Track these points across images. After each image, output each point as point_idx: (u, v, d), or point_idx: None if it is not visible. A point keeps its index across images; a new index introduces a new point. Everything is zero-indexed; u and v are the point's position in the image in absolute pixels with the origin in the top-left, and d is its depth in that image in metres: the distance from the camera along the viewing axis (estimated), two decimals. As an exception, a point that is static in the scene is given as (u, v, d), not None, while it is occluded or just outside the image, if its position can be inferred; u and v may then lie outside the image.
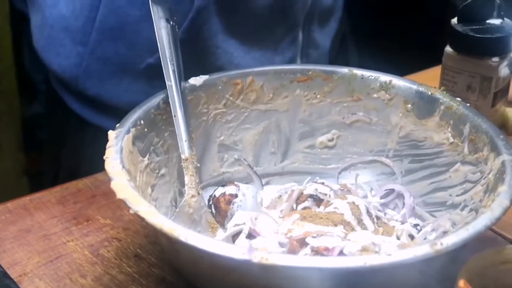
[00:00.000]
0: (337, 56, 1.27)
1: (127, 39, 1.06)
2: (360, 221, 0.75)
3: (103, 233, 0.80)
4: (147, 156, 0.75)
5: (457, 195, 0.77)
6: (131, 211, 0.63)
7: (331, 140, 0.87)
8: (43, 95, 1.40)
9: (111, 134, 0.72)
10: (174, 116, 0.77)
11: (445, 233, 0.72)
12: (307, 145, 0.88)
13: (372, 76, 0.85)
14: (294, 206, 0.79)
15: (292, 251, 0.69)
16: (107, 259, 0.77)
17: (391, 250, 0.63)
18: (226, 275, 0.63)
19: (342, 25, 1.27)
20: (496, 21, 0.93)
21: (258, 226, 0.72)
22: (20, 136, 1.59)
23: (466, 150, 0.78)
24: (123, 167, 0.68)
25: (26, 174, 1.66)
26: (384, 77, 0.84)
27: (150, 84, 1.03)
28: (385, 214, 0.80)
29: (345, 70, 0.85)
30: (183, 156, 0.76)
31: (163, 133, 0.78)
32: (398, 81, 0.84)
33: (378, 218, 0.78)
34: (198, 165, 0.78)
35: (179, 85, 0.78)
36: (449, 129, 0.80)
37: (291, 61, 1.14)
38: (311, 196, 0.79)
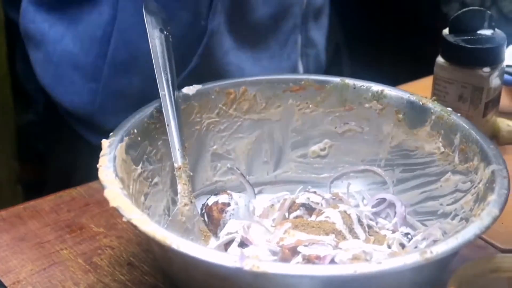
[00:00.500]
0: (331, 67, 1.27)
1: (141, 71, 1.04)
2: (351, 230, 0.75)
3: (97, 241, 0.81)
4: (140, 164, 0.76)
5: (448, 204, 0.78)
6: (124, 219, 0.63)
7: (323, 149, 0.88)
8: (38, 104, 1.40)
9: (105, 142, 0.73)
10: (167, 125, 0.77)
11: (435, 242, 0.73)
12: (299, 154, 0.88)
13: (364, 86, 0.85)
14: (286, 215, 0.80)
15: (284, 259, 0.70)
16: (100, 267, 0.77)
17: (382, 259, 0.64)
18: (218, 283, 0.63)
19: (334, 32, 1.28)
20: (487, 32, 0.93)
21: (251, 234, 0.73)
22: (15, 145, 1.60)
23: (456, 159, 0.78)
24: (116, 175, 0.69)
25: (20, 183, 1.66)
26: (376, 87, 0.85)
27: None
28: (376, 223, 0.81)
29: (337, 80, 0.86)
30: (176, 165, 0.77)
31: (156, 142, 0.79)
32: (390, 91, 0.85)
33: (369, 227, 0.78)
34: (191, 173, 0.79)
35: (172, 94, 0.78)
36: (440, 138, 0.80)
37: (295, 63, 1.15)
38: (303, 205, 0.79)
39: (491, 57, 0.92)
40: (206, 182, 0.86)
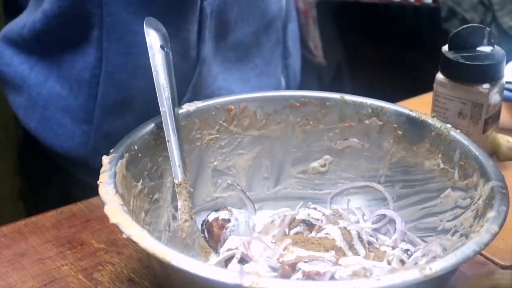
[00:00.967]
0: (332, 84, 1.28)
1: (134, 111, 1.02)
2: (351, 246, 0.75)
3: (97, 257, 0.81)
4: (141, 181, 0.76)
5: (448, 221, 0.78)
6: (124, 236, 0.63)
7: (323, 165, 0.88)
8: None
9: (105, 159, 0.73)
10: (168, 141, 0.77)
11: (435, 258, 0.73)
12: (299, 171, 0.88)
13: (364, 102, 0.86)
14: (287, 231, 0.80)
15: (284, 275, 0.70)
16: (101, 283, 0.77)
17: (381, 275, 0.64)
18: (218, 299, 0.64)
19: (336, 51, 1.27)
20: (486, 49, 0.94)
21: (251, 251, 0.73)
22: (16, 160, 1.60)
23: (456, 176, 0.78)
24: (117, 191, 0.69)
25: (22, 199, 1.66)
26: (376, 104, 0.85)
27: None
28: (376, 239, 0.81)
29: (337, 96, 0.86)
30: (176, 181, 0.77)
31: (156, 158, 0.79)
32: (389, 108, 0.85)
33: (369, 243, 0.79)
34: (191, 190, 0.79)
35: (173, 110, 0.79)
36: (440, 155, 0.80)
37: (279, 78, 1.14)
38: (303, 221, 0.79)
39: (491, 74, 0.92)
40: (206, 198, 0.86)
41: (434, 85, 0.95)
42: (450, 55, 0.93)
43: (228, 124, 0.85)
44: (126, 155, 0.74)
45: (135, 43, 0.98)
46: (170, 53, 0.82)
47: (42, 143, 1.09)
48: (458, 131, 0.81)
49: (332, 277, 0.68)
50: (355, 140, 0.86)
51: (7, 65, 1.07)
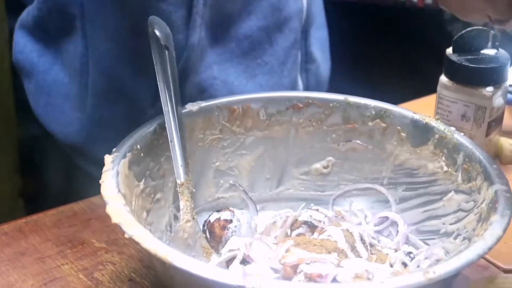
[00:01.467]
0: (335, 86, 1.27)
1: (124, 97, 1.03)
2: (353, 248, 0.75)
3: (98, 257, 0.81)
4: (143, 180, 0.76)
5: (451, 224, 0.78)
6: (126, 235, 0.63)
7: (326, 167, 0.88)
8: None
9: (108, 158, 0.73)
10: (171, 141, 0.77)
11: (438, 261, 0.73)
12: (302, 172, 0.88)
13: (367, 104, 0.85)
14: (289, 232, 0.80)
15: (286, 277, 0.70)
16: (101, 282, 0.77)
17: (384, 278, 0.64)
18: (219, 300, 0.63)
19: (341, 55, 1.27)
20: (490, 52, 0.94)
21: (252, 252, 0.73)
22: (17, 159, 1.59)
23: (459, 179, 0.78)
24: (119, 191, 0.68)
25: (22, 197, 1.66)
26: (380, 106, 0.85)
27: None
28: (379, 241, 0.81)
29: (341, 98, 0.86)
30: (178, 181, 0.77)
31: (159, 158, 0.79)
32: (393, 110, 0.85)
33: (372, 245, 0.78)
34: (194, 190, 0.79)
35: (176, 110, 0.78)
36: (443, 157, 0.80)
37: (295, 80, 1.12)
38: (305, 222, 0.79)
39: (495, 77, 0.92)
40: (208, 198, 0.85)
41: (438, 88, 0.94)
42: (454, 58, 0.92)
43: (231, 125, 0.85)
44: (129, 154, 0.74)
45: (118, 29, 0.98)
46: (174, 52, 0.82)
47: (47, 129, 1.10)
48: (462, 134, 0.81)
49: (334, 279, 0.68)
50: (358, 142, 0.86)
51: (20, 52, 1.10)
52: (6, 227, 0.85)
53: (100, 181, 0.70)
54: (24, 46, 1.09)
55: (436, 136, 0.81)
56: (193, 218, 0.77)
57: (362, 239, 0.77)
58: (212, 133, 0.84)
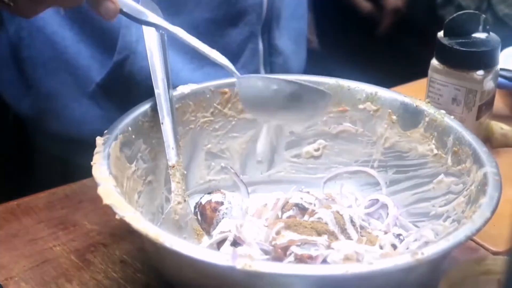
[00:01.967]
0: (327, 69, 1.27)
1: (69, 65, 1.03)
2: (344, 230, 0.76)
3: (90, 239, 0.81)
4: (134, 162, 0.76)
5: (440, 206, 0.78)
6: (117, 217, 0.63)
7: (317, 150, 0.88)
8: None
9: (99, 140, 0.73)
10: (162, 123, 0.77)
11: (427, 243, 0.73)
12: (293, 155, 0.89)
13: (358, 87, 0.86)
14: (280, 214, 0.80)
15: (277, 259, 0.70)
16: (93, 264, 0.77)
17: (373, 259, 0.64)
18: (210, 281, 0.64)
19: (332, 39, 1.26)
20: (481, 35, 0.94)
21: (243, 233, 0.73)
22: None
23: (449, 161, 0.79)
24: (110, 173, 0.69)
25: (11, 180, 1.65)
26: (370, 89, 0.85)
27: (105, 108, 1.02)
28: (369, 223, 0.81)
29: (332, 81, 0.86)
30: (170, 163, 0.77)
31: (150, 140, 0.79)
32: (384, 93, 0.85)
33: (362, 227, 0.79)
34: (185, 172, 0.79)
35: (167, 93, 0.78)
36: (433, 140, 0.81)
37: (255, 72, 1.11)
38: (296, 205, 0.80)
39: (485, 60, 0.92)
40: (200, 181, 0.86)
41: (429, 71, 0.95)
42: (445, 41, 0.93)
43: (223, 107, 0.85)
44: (120, 136, 0.74)
45: None
46: (165, 35, 0.82)
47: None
48: (452, 117, 0.81)
49: (324, 261, 0.69)
50: (349, 124, 0.87)
51: None
52: (-2, 209, 0.85)
53: (92, 163, 0.70)
54: None
55: (427, 119, 0.81)
56: (185, 200, 0.77)
57: (352, 221, 0.77)
58: (203, 115, 0.84)
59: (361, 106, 0.86)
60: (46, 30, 1.02)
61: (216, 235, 0.74)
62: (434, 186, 0.80)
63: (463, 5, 1.61)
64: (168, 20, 0.98)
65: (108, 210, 0.65)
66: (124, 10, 0.75)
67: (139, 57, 1.00)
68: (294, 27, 1.17)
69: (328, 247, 0.71)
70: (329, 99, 0.78)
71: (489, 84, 0.93)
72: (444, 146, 0.80)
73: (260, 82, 0.77)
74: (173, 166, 0.77)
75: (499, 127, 0.98)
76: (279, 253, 0.71)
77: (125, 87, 1.01)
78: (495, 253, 0.80)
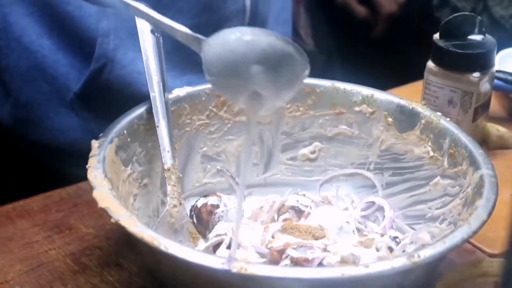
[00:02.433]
0: (323, 71, 1.27)
1: (46, 74, 1.02)
2: (340, 233, 0.75)
3: (85, 242, 0.81)
4: (130, 165, 0.76)
5: (437, 208, 0.78)
6: (112, 220, 0.63)
7: (313, 152, 0.88)
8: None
9: (94, 143, 0.73)
10: (157, 126, 0.77)
11: (424, 246, 0.73)
12: (289, 157, 0.88)
13: (354, 89, 0.86)
14: (276, 217, 0.80)
15: (273, 262, 0.70)
16: (88, 267, 0.77)
17: (369, 262, 0.64)
18: (206, 285, 0.64)
19: (326, 38, 1.26)
20: (477, 37, 0.94)
21: (239, 236, 0.73)
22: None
23: (445, 164, 0.79)
24: (106, 176, 0.69)
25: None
26: (366, 91, 0.85)
27: (83, 117, 1.01)
28: (365, 226, 0.81)
29: (328, 83, 0.86)
30: (165, 166, 0.77)
31: (146, 143, 0.79)
32: (380, 95, 0.85)
33: (358, 230, 0.79)
34: (181, 175, 0.79)
35: (163, 96, 0.78)
36: (429, 143, 0.81)
37: None
38: (292, 207, 0.80)
39: (481, 62, 0.92)
40: (195, 183, 0.86)
41: (425, 73, 0.95)
42: (441, 43, 0.93)
43: (218, 110, 0.85)
44: (115, 139, 0.74)
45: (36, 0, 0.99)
46: (161, 37, 0.82)
47: None
48: (448, 119, 0.81)
49: (320, 264, 0.68)
50: (345, 127, 0.86)
51: None
52: (-7, 213, 0.85)
53: (87, 166, 0.70)
54: None
55: (423, 121, 0.81)
56: (180, 203, 0.77)
57: (348, 224, 0.77)
58: (199, 118, 0.84)
59: (357, 109, 0.85)
60: (23, 39, 1.01)
61: (212, 238, 0.74)
62: (430, 188, 0.80)
63: (459, 6, 1.61)
64: None
65: (104, 214, 0.64)
66: None
67: (117, 66, 1.00)
68: (278, 32, 1.16)
69: (324, 250, 0.71)
70: (306, 65, 0.65)
71: (485, 86, 0.93)
72: (440, 148, 0.79)
73: (231, 35, 0.65)
74: (169, 169, 0.77)
75: (495, 129, 0.99)
76: (275, 256, 0.70)
77: (103, 96, 1.01)
78: (492, 256, 0.80)
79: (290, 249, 0.70)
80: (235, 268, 0.58)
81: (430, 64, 0.94)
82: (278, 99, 0.67)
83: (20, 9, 1.00)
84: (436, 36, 0.94)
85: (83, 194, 0.87)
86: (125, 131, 0.76)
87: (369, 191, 0.86)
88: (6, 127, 1.08)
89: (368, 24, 1.68)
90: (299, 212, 0.79)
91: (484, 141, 0.98)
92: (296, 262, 0.69)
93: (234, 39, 0.64)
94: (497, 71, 0.99)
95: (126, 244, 0.80)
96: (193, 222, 0.79)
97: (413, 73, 1.08)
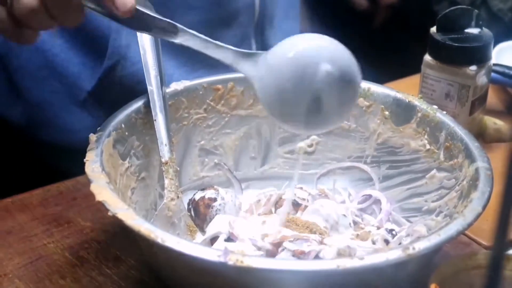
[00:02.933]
0: None
1: (59, 73, 1.02)
2: (336, 226, 0.76)
3: (84, 235, 0.81)
4: (128, 159, 0.76)
5: (433, 201, 0.79)
6: (109, 213, 0.64)
7: (310, 145, 0.88)
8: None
9: (92, 137, 0.73)
10: (155, 120, 0.78)
11: (419, 238, 0.73)
12: (286, 151, 0.89)
13: (351, 83, 0.86)
14: (273, 210, 0.80)
15: (270, 254, 0.70)
16: (87, 261, 0.77)
17: (365, 254, 0.64)
18: (202, 277, 0.64)
19: (325, 35, 1.25)
20: (474, 31, 0.94)
21: (236, 229, 0.73)
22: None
23: (442, 157, 0.79)
24: (103, 169, 0.69)
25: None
26: (363, 84, 0.85)
27: (96, 116, 1.01)
28: (362, 219, 0.81)
29: (325, 77, 0.86)
30: (163, 160, 0.77)
31: (143, 137, 0.79)
32: (376, 89, 0.85)
33: (355, 223, 0.79)
34: (178, 168, 0.79)
35: (160, 89, 0.79)
36: (426, 136, 0.81)
37: None
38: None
39: (478, 56, 0.92)
40: (193, 177, 0.86)
41: (422, 67, 0.95)
42: (438, 37, 0.93)
43: (216, 104, 0.85)
44: (113, 133, 0.74)
45: None
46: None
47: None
48: (444, 112, 0.81)
49: (317, 256, 0.69)
50: (342, 120, 0.87)
51: None
52: (-8, 206, 0.85)
53: (85, 160, 0.70)
54: None
55: (419, 114, 0.82)
56: (178, 197, 0.77)
57: (345, 217, 0.77)
58: (196, 112, 0.84)
59: (354, 102, 0.86)
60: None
61: (209, 231, 0.75)
62: (426, 181, 0.80)
63: (458, 0, 1.61)
64: None
65: (102, 207, 0.65)
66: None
67: (129, 63, 1.00)
68: (287, 28, 1.16)
69: (321, 242, 0.72)
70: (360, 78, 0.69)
71: (482, 79, 0.93)
72: (436, 142, 0.80)
73: (297, 40, 0.68)
74: (166, 163, 0.77)
75: (493, 122, 0.99)
76: (272, 249, 0.71)
77: (116, 93, 1.00)
78: (487, 248, 0.80)
79: (286, 242, 0.70)
80: (231, 260, 0.58)
81: (427, 57, 0.94)
82: (338, 114, 0.70)
83: None
84: (433, 29, 0.94)
85: (81, 188, 0.88)
86: (123, 125, 0.76)
87: (366, 184, 0.86)
88: (18, 127, 1.08)
89: (366, 18, 1.68)
90: (296, 205, 0.80)
91: (481, 134, 0.98)
92: (293, 255, 0.69)
93: (301, 43, 0.68)
94: (495, 65, 1.00)
95: (124, 237, 0.80)
96: (190, 215, 0.80)
97: (411, 67, 1.08)
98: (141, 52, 0.80)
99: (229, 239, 0.73)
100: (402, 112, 0.83)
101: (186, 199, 0.81)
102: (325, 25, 1.29)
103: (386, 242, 0.74)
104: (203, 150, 0.86)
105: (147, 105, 0.79)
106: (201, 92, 0.84)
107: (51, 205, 0.86)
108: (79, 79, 1.02)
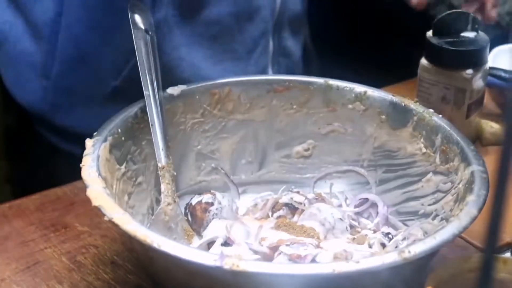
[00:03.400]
0: (316, 69, 1.27)
1: (90, 66, 1.05)
2: (333, 230, 0.76)
3: (81, 240, 0.81)
4: (124, 164, 0.76)
5: (429, 205, 0.79)
6: (105, 218, 0.64)
7: (307, 150, 0.88)
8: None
9: (88, 142, 0.73)
10: (152, 125, 0.78)
11: (416, 241, 0.73)
12: (283, 155, 0.89)
13: (347, 87, 0.86)
14: (270, 214, 0.80)
15: (266, 258, 0.70)
16: (84, 265, 0.78)
17: (360, 258, 0.64)
18: (199, 282, 0.64)
19: (322, 38, 1.27)
20: (470, 34, 0.94)
21: (233, 234, 0.73)
22: (3, 144, 1.59)
23: (438, 160, 0.79)
24: (100, 174, 0.69)
25: (9, 182, 1.65)
26: (359, 88, 0.86)
27: (119, 107, 1.02)
28: (359, 223, 0.81)
29: (321, 81, 0.87)
30: (159, 165, 0.77)
31: (140, 142, 0.79)
32: (372, 92, 0.85)
33: (352, 226, 0.79)
34: (175, 173, 0.79)
35: (157, 94, 0.79)
36: (422, 139, 0.81)
37: (263, 70, 1.13)
38: (286, 204, 0.80)
39: (474, 59, 0.92)
40: (190, 181, 0.86)
41: (418, 71, 0.95)
42: (434, 41, 0.93)
43: (212, 108, 0.85)
44: (110, 138, 0.74)
45: None
46: (155, 36, 0.82)
47: (15, 100, 1.12)
48: (440, 116, 0.81)
49: (313, 260, 0.69)
50: (338, 124, 0.87)
51: None
52: (-10, 212, 0.85)
53: (81, 165, 0.70)
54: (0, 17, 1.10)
55: (415, 118, 0.82)
56: (174, 201, 0.77)
57: (341, 221, 0.77)
58: (193, 116, 0.85)
59: (350, 106, 0.86)
60: (72, 29, 1.04)
61: (206, 236, 0.75)
62: (423, 184, 0.80)
63: (454, 4, 1.61)
64: (192, 14, 1.03)
65: (99, 212, 0.65)
66: None
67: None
68: (303, 33, 1.19)
69: (318, 246, 0.72)
70: None
71: (478, 82, 0.93)
72: (432, 145, 0.80)
73: None
74: (163, 168, 0.77)
75: (489, 126, 0.99)
76: (269, 253, 0.71)
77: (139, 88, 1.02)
78: (483, 251, 0.80)
79: (283, 246, 0.71)
80: (227, 264, 0.58)
81: (423, 61, 0.95)
82: None
83: (75, 3, 1.03)
84: (429, 33, 0.95)
85: (79, 192, 0.88)
86: (119, 130, 0.76)
87: (362, 188, 0.86)
88: (35, 111, 1.10)
89: (363, 22, 1.68)
90: (293, 209, 0.80)
91: (478, 138, 0.99)
92: (289, 259, 0.69)
93: None
94: (491, 68, 1.00)
95: (121, 242, 0.80)
96: (187, 220, 0.80)
97: (408, 71, 1.08)
98: (138, 57, 0.80)
99: (226, 243, 0.73)
100: (398, 116, 0.83)
101: (183, 203, 0.81)
102: (321, 29, 1.30)
103: (383, 245, 0.75)
104: (200, 155, 0.86)
105: (143, 109, 0.79)
106: (197, 97, 0.84)
107: (48, 210, 0.86)
108: (107, 75, 1.05)
